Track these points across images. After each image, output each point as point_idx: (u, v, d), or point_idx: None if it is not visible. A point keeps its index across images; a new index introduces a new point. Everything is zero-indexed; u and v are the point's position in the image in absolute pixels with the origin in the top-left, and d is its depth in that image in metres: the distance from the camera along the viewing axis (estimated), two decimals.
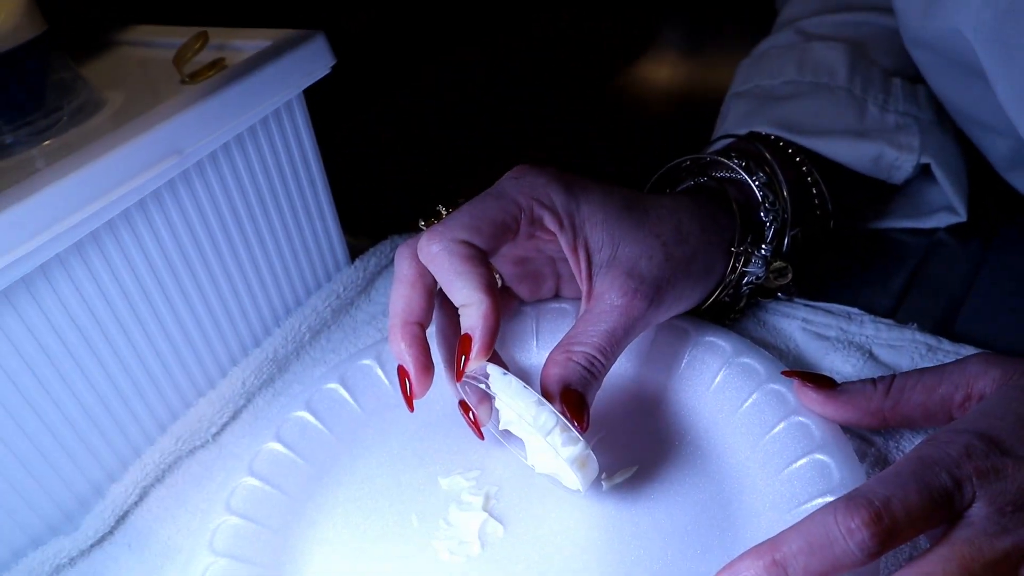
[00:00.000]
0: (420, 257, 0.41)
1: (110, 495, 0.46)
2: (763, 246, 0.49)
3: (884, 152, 0.52)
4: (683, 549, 0.40)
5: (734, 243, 0.48)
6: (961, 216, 0.55)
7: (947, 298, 0.52)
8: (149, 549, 0.44)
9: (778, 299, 0.52)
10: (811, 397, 0.42)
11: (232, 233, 0.49)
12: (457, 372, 0.40)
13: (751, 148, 0.52)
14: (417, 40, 0.99)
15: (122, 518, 0.46)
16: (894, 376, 0.41)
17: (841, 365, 0.47)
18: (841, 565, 0.31)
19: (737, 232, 0.49)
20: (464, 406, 0.43)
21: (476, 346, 0.39)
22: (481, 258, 0.41)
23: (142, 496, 0.47)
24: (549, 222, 0.43)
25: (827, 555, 0.31)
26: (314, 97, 0.52)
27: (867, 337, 0.48)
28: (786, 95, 0.55)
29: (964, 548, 0.31)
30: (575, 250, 0.44)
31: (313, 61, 0.50)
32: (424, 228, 0.46)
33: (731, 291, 0.50)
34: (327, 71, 0.51)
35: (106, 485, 0.46)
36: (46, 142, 0.46)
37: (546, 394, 0.41)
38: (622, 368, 0.49)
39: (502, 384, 0.40)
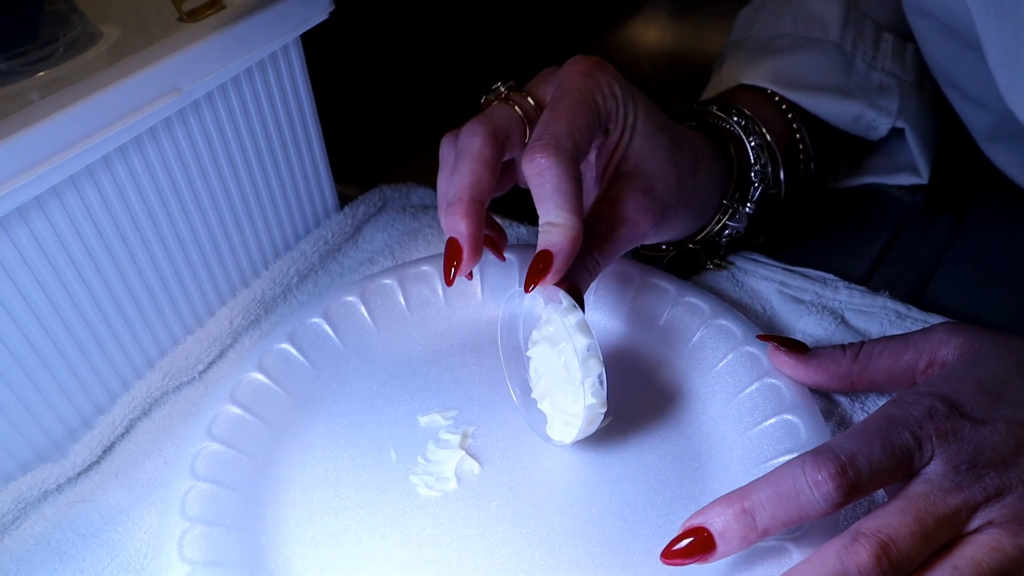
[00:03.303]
0: (524, 168, 0.41)
1: (98, 426, 0.47)
2: (748, 203, 0.51)
3: (864, 113, 0.54)
4: (653, 497, 0.41)
5: (726, 194, 0.50)
6: (923, 178, 0.58)
7: (919, 268, 0.54)
8: (135, 479, 0.45)
9: (744, 254, 0.54)
10: (784, 360, 0.44)
11: (225, 174, 0.50)
12: (528, 283, 0.40)
13: (748, 104, 0.53)
14: None
15: (109, 448, 0.47)
16: (863, 343, 0.43)
17: (814, 328, 0.49)
18: (806, 514, 0.33)
19: (732, 187, 0.50)
20: (452, 247, 0.42)
21: (556, 267, 0.40)
22: (580, 175, 0.41)
23: (129, 428, 0.48)
24: (612, 122, 0.44)
25: (794, 505, 0.33)
26: (310, 44, 0.52)
27: (840, 302, 0.50)
28: (779, 48, 0.56)
29: (920, 502, 0.33)
30: (614, 150, 0.45)
31: (311, 6, 0.50)
32: (486, 104, 0.46)
33: (711, 239, 0.52)
34: (325, 16, 0.51)
35: (94, 416, 0.47)
36: (40, 73, 0.45)
37: None
38: (603, 323, 0.50)
39: (568, 315, 0.40)
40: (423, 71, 0.86)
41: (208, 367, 0.51)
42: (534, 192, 0.41)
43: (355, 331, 0.50)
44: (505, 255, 0.49)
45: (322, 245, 0.57)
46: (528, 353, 0.44)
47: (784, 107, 0.54)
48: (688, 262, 0.53)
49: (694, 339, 0.48)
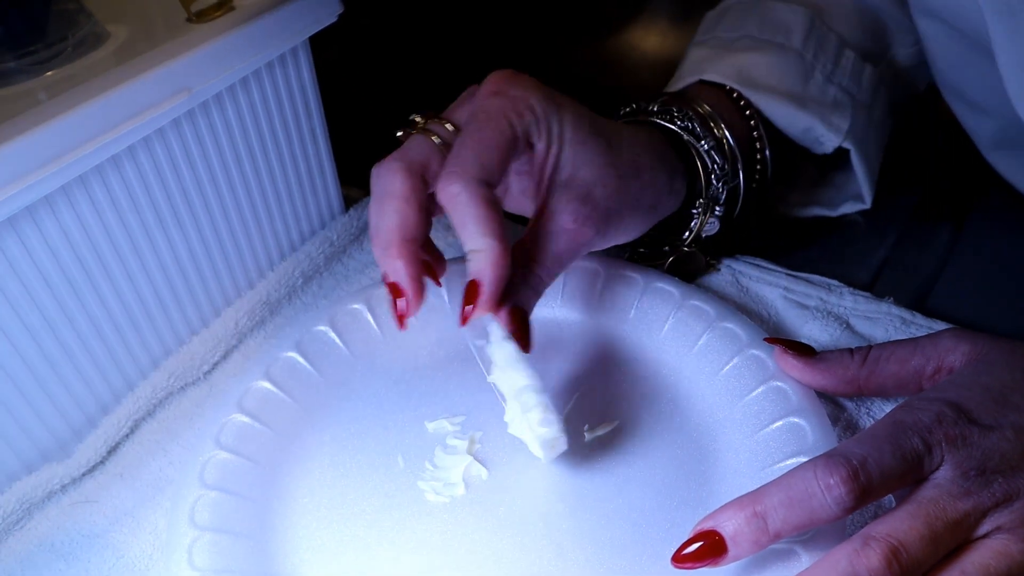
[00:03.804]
0: (438, 196, 0.41)
1: (103, 426, 0.47)
2: (717, 208, 0.52)
3: (815, 126, 0.54)
4: (660, 501, 0.41)
5: (680, 193, 0.51)
6: (866, 204, 0.57)
7: (922, 274, 0.54)
8: (140, 479, 0.45)
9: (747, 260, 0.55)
10: (791, 364, 0.44)
11: (232, 175, 0.50)
12: (462, 318, 0.40)
13: (707, 99, 0.53)
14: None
15: (114, 449, 0.47)
16: (870, 347, 0.43)
17: (819, 334, 0.49)
18: (818, 518, 0.33)
19: (696, 190, 0.51)
20: (393, 289, 0.42)
21: (485, 296, 0.40)
22: (495, 199, 0.41)
23: (133, 429, 0.48)
24: (535, 137, 0.43)
25: (805, 508, 0.33)
26: (318, 46, 0.52)
27: (845, 308, 0.50)
28: (742, 48, 0.56)
29: (930, 507, 0.33)
30: (544, 164, 0.44)
31: (321, 8, 0.50)
32: (404, 137, 0.46)
33: (692, 246, 0.53)
34: (334, 19, 0.51)
35: (99, 416, 0.47)
36: (48, 73, 0.45)
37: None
38: (609, 327, 0.50)
39: (500, 348, 0.41)
40: (427, 74, 0.86)
41: (213, 368, 0.51)
42: (451, 220, 0.41)
43: (361, 338, 0.50)
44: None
45: (327, 247, 0.57)
46: (490, 379, 0.43)
47: (742, 104, 0.53)
48: (688, 264, 0.53)
49: (699, 343, 0.48)
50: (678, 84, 0.56)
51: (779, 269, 0.54)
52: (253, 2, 0.48)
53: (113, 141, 0.41)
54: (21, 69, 0.45)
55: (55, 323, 0.43)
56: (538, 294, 0.42)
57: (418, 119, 0.46)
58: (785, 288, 0.52)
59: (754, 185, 0.53)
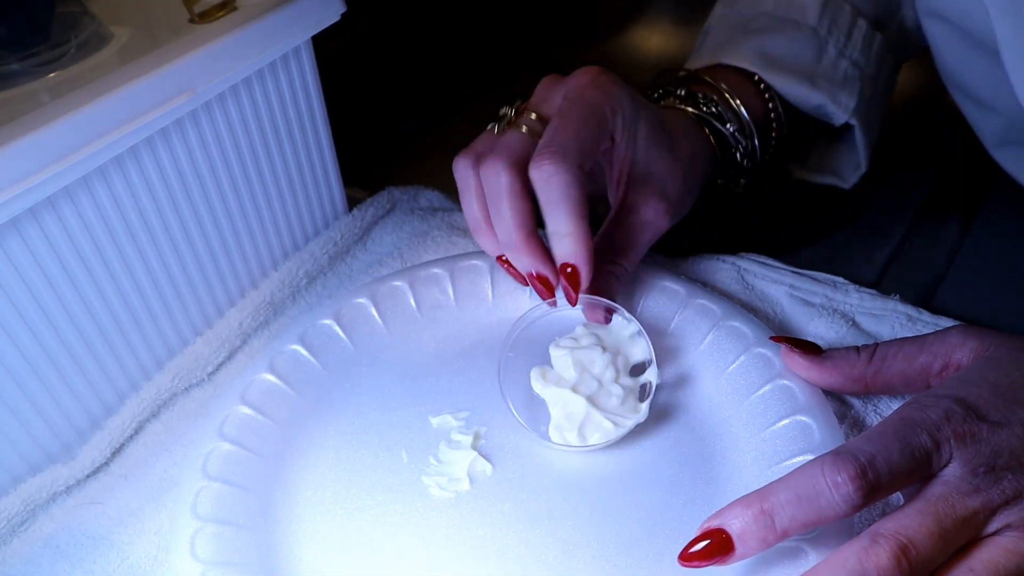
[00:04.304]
0: (532, 174, 0.43)
1: (107, 427, 0.46)
2: (741, 180, 0.57)
3: (826, 104, 0.56)
4: (666, 498, 0.41)
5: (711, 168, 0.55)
6: (846, 182, 0.60)
7: (929, 272, 0.54)
8: (144, 480, 0.45)
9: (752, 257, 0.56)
10: (797, 362, 0.44)
11: (235, 175, 0.50)
12: (569, 297, 0.45)
13: (727, 79, 0.56)
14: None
15: (118, 450, 0.47)
16: (877, 345, 0.43)
17: (825, 331, 0.49)
18: (826, 516, 0.33)
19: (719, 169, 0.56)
20: (542, 280, 0.46)
21: (584, 277, 0.44)
22: (585, 183, 0.43)
23: (138, 430, 0.47)
24: (618, 133, 0.46)
25: (813, 506, 0.33)
26: (319, 44, 0.52)
27: (851, 305, 0.50)
28: (760, 28, 0.58)
29: (939, 504, 0.33)
30: (624, 159, 0.48)
31: (323, 8, 0.50)
32: (498, 130, 0.47)
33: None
34: (337, 18, 0.51)
35: (103, 418, 0.47)
36: (51, 74, 0.45)
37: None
38: (614, 326, 0.50)
39: (622, 324, 0.46)
40: (431, 74, 0.86)
41: (217, 368, 0.51)
42: (540, 198, 0.43)
43: (366, 333, 0.50)
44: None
45: (331, 247, 0.57)
46: (555, 353, 0.45)
47: (762, 86, 0.56)
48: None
49: (706, 341, 0.48)
50: (698, 63, 0.59)
51: (785, 267, 0.53)
52: (256, 2, 0.48)
53: (116, 142, 0.41)
54: (24, 71, 0.45)
55: (59, 324, 0.43)
56: (621, 283, 0.47)
57: (509, 111, 0.48)
58: (791, 286, 0.52)
59: (768, 157, 0.57)
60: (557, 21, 0.96)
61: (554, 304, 0.47)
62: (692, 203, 0.53)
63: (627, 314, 0.46)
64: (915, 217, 0.58)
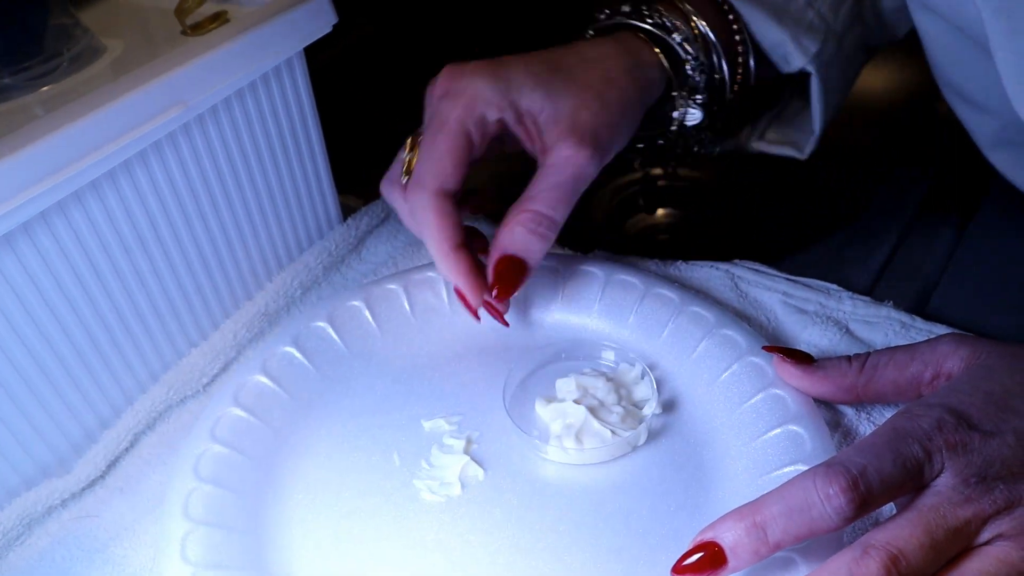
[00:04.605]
0: (409, 207, 0.46)
1: (102, 440, 0.47)
2: (697, 96, 0.54)
3: (785, 42, 0.54)
4: (657, 505, 0.42)
5: (659, 83, 0.52)
6: (803, 153, 0.58)
7: (922, 278, 0.54)
8: (140, 493, 0.45)
9: (745, 264, 0.55)
10: (789, 371, 0.44)
11: (228, 187, 0.50)
12: (471, 312, 0.48)
13: (680, 3, 0.54)
14: (417, 3, 0.98)
15: (113, 463, 0.47)
16: (868, 354, 0.43)
17: (819, 339, 0.49)
18: (818, 528, 0.33)
19: (673, 81, 0.53)
20: (459, 296, 0.48)
21: (468, 297, 0.46)
22: (450, 207, 0.45)
23: (133, 442, 0.47)
24: (491, 114, 0.46)
25: (805, 519, 0.33)
26: (311, 53, 0.52)
27: (844, 313, 0.50)
28: None
29: (930, 514, 0.33)
30: (520, 121, 0.47)
31: (315, 19, 0.50)
32: (407, 151, 0.49)
33: (674, 135, 0.55)
34: (328, 29, 0.51)
35: (99, 431, 0.47)
36: (44, 88, 0.46)
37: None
38: (608, 333, 0.50)
39: (627, 368, 0.48)
40: (425, 81, 0.86)
41: (212, 380, 0.51)
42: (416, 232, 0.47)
43: (359, 335, 0.50)
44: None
45: (325, 257, 0.57)
46: (560, 381, 0.47)
47: (725, 8, 0.54)
48: (674, 147, 0.56)
49: (698, 349, 0.48)
50: None
51: (778, 274, 0.53)
52: (248, 14, 0.48)
53: (109, 155, 0.41)
54: (17, 84, 0.45)
55: (53, 338, 0.43)
56: (543, 234, 0.45)
57: (409, 141, 0.50)
58: (784, 293, 0.52)
59: (736, 88, 0.55)
60: (551, 32, 0.96)
61: (495, 321, 0.49)
62: (632, 123, 0.50)
63: (630, 356, 0.48)
64: (909, 223, 0.58)
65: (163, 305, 0.48)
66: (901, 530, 0.33)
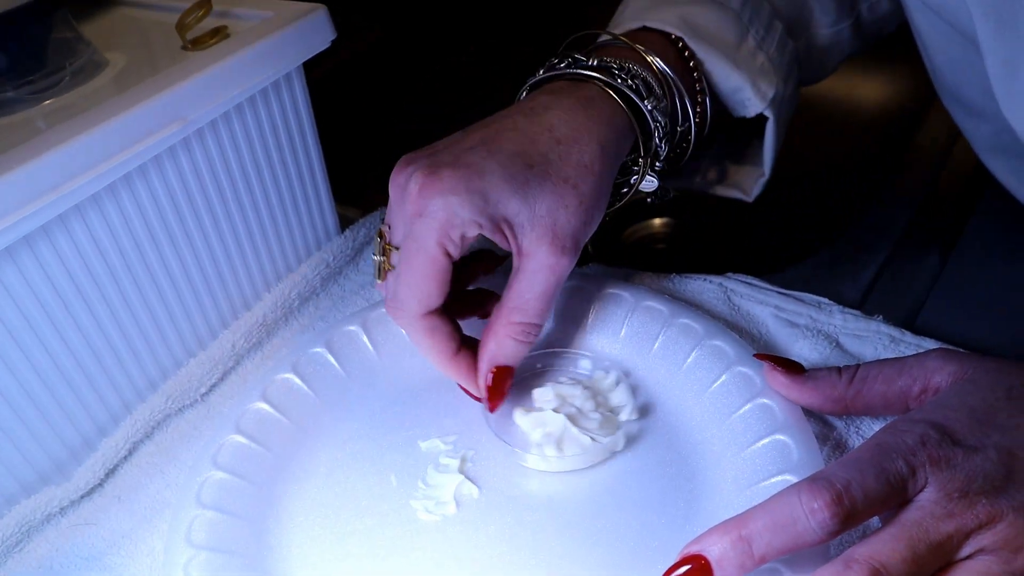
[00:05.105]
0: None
1: (101, 449, 0.47)
2: (657, 164, 0.53)
3: (744, 88, 0.54)
4: (648, 518, 0.42)
5: (627, 148, 0.51)
6: (749, 195, 0.58)
7: (912, 293, 0.55)
8: (138, 502, 0.46)
9: (738, 278, 0.55)
10: (780, 381, 0.44)
11: (228, 199, 0.51)
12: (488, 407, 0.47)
13: (652, 44, 0.53)
14: (413, 16, 0.99)
15: (112, 471, 0.47)
16: (858, 366, 0.43)
17: (809, 352, 0.49)
18: (803, 542, 0.33)
19: (640, 149, 0.52)
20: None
21: (475, 391, 0.47)
22: (437, 323, 0.45)
23: (132, 451, 0.48)
24: (469, 231, 0.44)
25: (790, 533, 0.33)
26: (309, 65, 0.53)
27: (835, 326, 0.51)
28: (684, 1, 0.55)
29: (913, 529, 0.34)
30: (498, 230, 0.45)
31: (314, 34, 0.50)
32: (376, 254, 0.48)
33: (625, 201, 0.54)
34: (327, 45, 0.52)
35: (97, 439, 0.48)
36: (46, 101, 0.46)
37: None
38: (599, 345, 0.51)
39: (601, 375, 0.48)
40: (423, 92, 0.87)
41: (210, 390, 0.51)
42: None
43: (357, 359, 0.51)
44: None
45: (323, 268, 0.57)
46: (538, 391, 0.48)
47: (686, 54, 0.54)
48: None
49: (688, 360, 0.48)
50: (618, 29, 0.55)
51: (771, 287, 0.54)
52: (248, 29, 0.49)
53: (111, 170, 0.42)
54: (20, 98, 0.46)
55: (53, 348, 0.44)
56: (530, 342, 0.46)
57: (378, 240, 0.48)
58: (776, 306, 0.52)
59: (691, 137, 0.54)
60: (547, 43, 0.96)
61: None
62: (605, 199, 0.48)
63: (605, 364, 0.49)
64: (899, 239, 0.59)
65: (162, 315, 0.49)
66: (884, 544, 0.33)
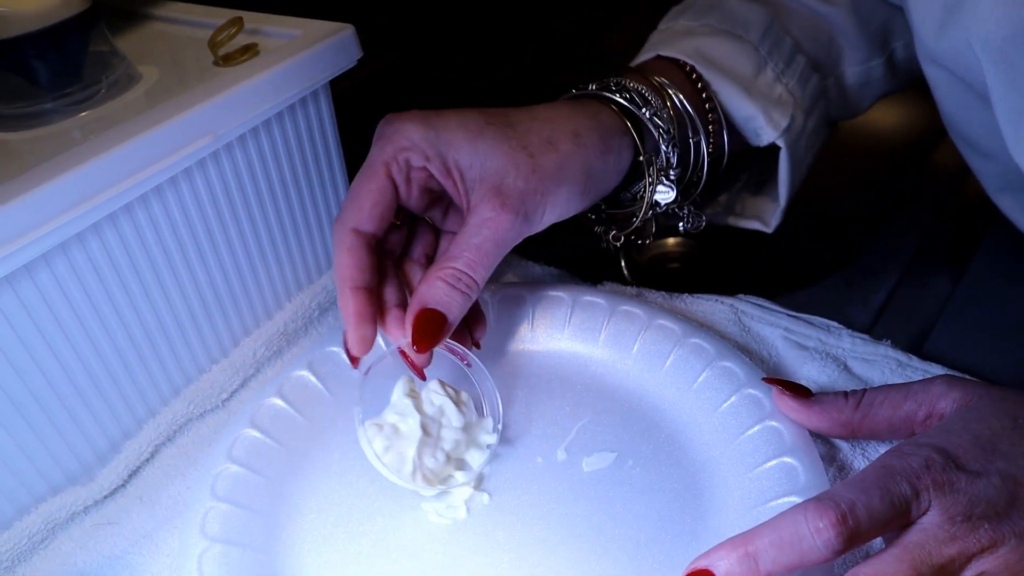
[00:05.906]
0: None
1: (125, 451, 0.48)
2: (671, 171, 0.53)
3: (756, 116, 0.55)
4: (655, 533, 0.43)
5: (624, 152, 0.51)
6: (768, 226, 0.59)
7: (921, 318, 0.55)
8: (159, 503, 0.47)
9: (749, 299, 0.56)
10: (788, 404, 0.45)
11: (253, 211, 0.52)
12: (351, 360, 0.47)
13: (663, 72, 0.55)
14: (432, 27, 1.01)
15: (135, 473, 0.49)
16: (865, 391, 0.44)
17: (817, 375, 0.50)
18: (808, 560, 0.34)
19: (644, 155, 0.52)
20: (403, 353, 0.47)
21: (349, 342, 0.46)
22: (360, 245, 0.45)
23: (154, 454, 0.49)
24: (415, 160, 0.46)
25: (795, 551, 0.34)
26: (334, 81, 0.54)
27: (843, 350, 0.52)
28: (701, 33, 0.57)
29: (916, 551, 0.34)
30: (447, 174, 0.46)
31: (341, 53, 0.52)
32: None
33: (647, 215, 0.54)
34: (354, 63, 0.53)
35: (122, 442, 0.49)
36: (82, 113, 0.48)
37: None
38: (610, 362, 0.52)
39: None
40: (439, 106, 0.88)
41: (231, 396, 0.53)
42: None
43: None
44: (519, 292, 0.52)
45: None
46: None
47: (699, 85, 0.55)
48: (643, 231, 0.56)
49: (699, 380, 0.49)
50: (636, 61, 0.58)
51: (781, 310, 0.55)
52: (277, 47, 0.51)
53: (143, 181, 0.44)
54: (58, 109, 0.48)
55: (83, 352, 0.45)
56: (465, 293, 0.45)
57: None
58: (786, 329, 0.53)
59: (709, 159, 0.55)
60: (567, 56, 0.98)
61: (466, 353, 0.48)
62: (575, 194, 0.48)
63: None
64: (908, 265, 0.60)
65: (187, 323, 0.50)
66: (887, 565, 0.34)
